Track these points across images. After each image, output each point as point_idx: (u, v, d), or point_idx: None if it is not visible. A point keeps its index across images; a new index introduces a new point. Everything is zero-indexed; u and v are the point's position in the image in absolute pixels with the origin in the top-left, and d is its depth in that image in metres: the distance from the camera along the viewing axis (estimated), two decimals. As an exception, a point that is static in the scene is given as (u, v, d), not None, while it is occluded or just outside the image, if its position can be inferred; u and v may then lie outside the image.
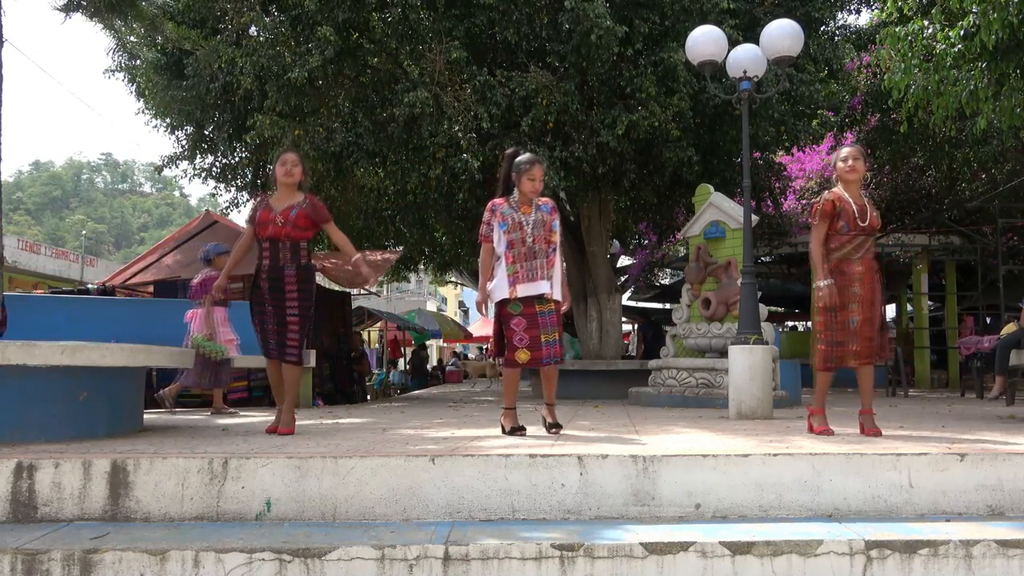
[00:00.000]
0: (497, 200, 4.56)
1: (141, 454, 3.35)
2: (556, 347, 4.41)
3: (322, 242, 12.09)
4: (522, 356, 4.38)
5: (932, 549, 2.83)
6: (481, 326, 30.78)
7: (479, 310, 4.60)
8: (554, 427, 4.52)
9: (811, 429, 4.54)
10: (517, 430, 4.44)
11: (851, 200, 4.43)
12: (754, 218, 7.56)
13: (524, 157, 4.52)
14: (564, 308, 4.57)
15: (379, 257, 11.86)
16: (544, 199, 4.57)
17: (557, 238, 4.51)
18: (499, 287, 4.46)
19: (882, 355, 4.44)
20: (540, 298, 4.43)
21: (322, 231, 4.85)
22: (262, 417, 6.38)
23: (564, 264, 4.66)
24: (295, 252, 4.58)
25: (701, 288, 8.47)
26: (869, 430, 4.36)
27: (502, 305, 4.47)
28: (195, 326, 6.79)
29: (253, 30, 8.63)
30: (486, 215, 4.54)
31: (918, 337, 14.33)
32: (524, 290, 4.42)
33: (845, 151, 4.53)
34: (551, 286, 4.44)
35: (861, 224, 4.38)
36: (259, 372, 8.28)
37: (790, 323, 23.32)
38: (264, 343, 4.65)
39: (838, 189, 4.51)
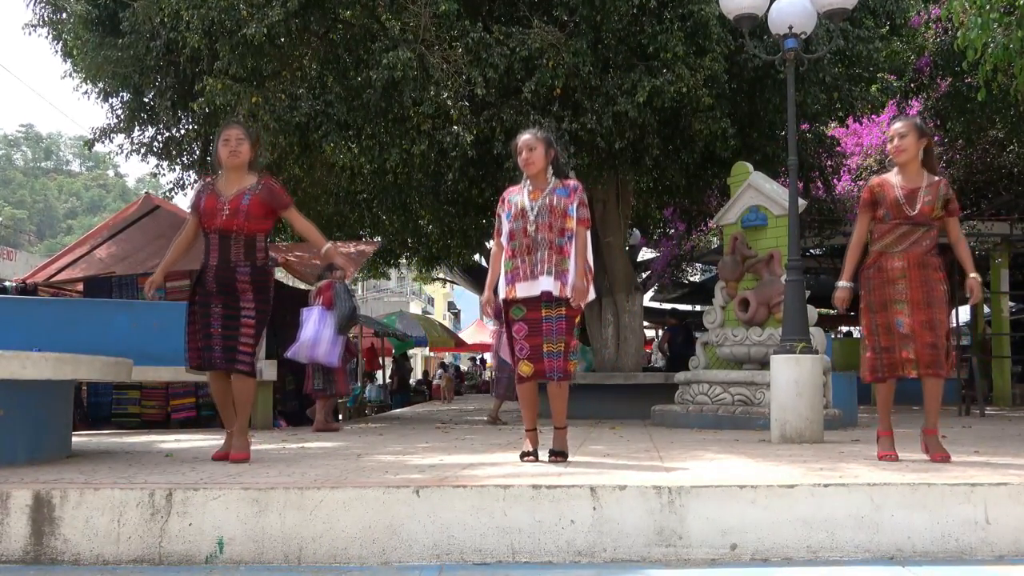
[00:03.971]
0: (511, 187, 4.72)
1: (69, 484, 3.36)
2: (559, 360, 4.36)
3: (284, 231, 12.07)
4: (524, 368, 4.45)
5: (1013, 598, 2.84)
6: (475, 332, 30.83)
7: (483, 313, 4.64)
8: (556, 455, 4.47)
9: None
10: (526, 455, 4.47)
11: (899, 184, 4.52)
12: (801, 202, 7.56)
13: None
14: (578, 298, 4.36)
15: (352, 249, 11.87)
16: (567, 181, 4.60)
17: (572, 224, 4.45)
18: (500, 286, 4.55)
19: (943, 370, 4.40)
20: (548, 301, 4.41)
21: (282, 220, 4.83)
22: (212, 441, 6.38)
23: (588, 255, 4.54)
24: (250, 249, 4.55)
25: (738, 286, 8.48)
26: (935, 455, 4.41)
27: (505, 308, 4.54)
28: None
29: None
30: (498, 207, 4.68)
31: (996, 345, 14.32)
32: (524, 289, 4.45)
33: (893, 126, 4.64)
34: (558, 282, 4.37)
35: (908, 212, 4.44)
36: (207, 388, 8.28)
37: (844, 328, 23.33)
38: (206, 351, 4.54)
39: (887, 175, 4.65)
